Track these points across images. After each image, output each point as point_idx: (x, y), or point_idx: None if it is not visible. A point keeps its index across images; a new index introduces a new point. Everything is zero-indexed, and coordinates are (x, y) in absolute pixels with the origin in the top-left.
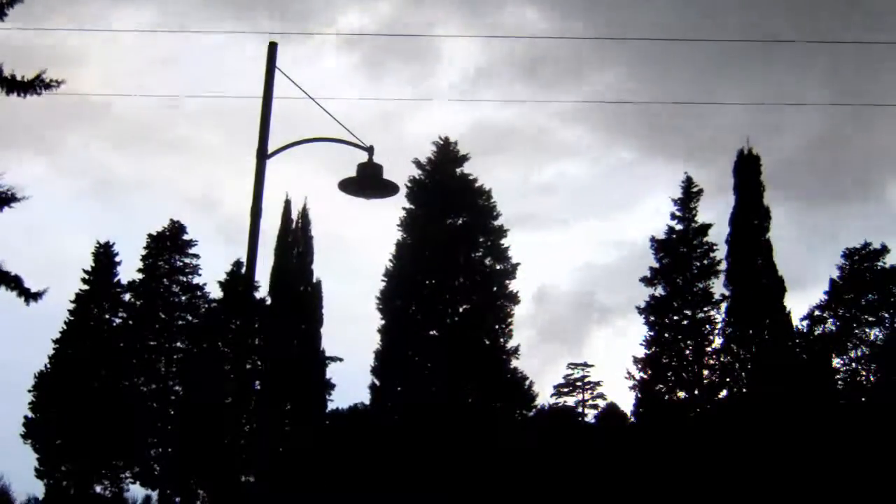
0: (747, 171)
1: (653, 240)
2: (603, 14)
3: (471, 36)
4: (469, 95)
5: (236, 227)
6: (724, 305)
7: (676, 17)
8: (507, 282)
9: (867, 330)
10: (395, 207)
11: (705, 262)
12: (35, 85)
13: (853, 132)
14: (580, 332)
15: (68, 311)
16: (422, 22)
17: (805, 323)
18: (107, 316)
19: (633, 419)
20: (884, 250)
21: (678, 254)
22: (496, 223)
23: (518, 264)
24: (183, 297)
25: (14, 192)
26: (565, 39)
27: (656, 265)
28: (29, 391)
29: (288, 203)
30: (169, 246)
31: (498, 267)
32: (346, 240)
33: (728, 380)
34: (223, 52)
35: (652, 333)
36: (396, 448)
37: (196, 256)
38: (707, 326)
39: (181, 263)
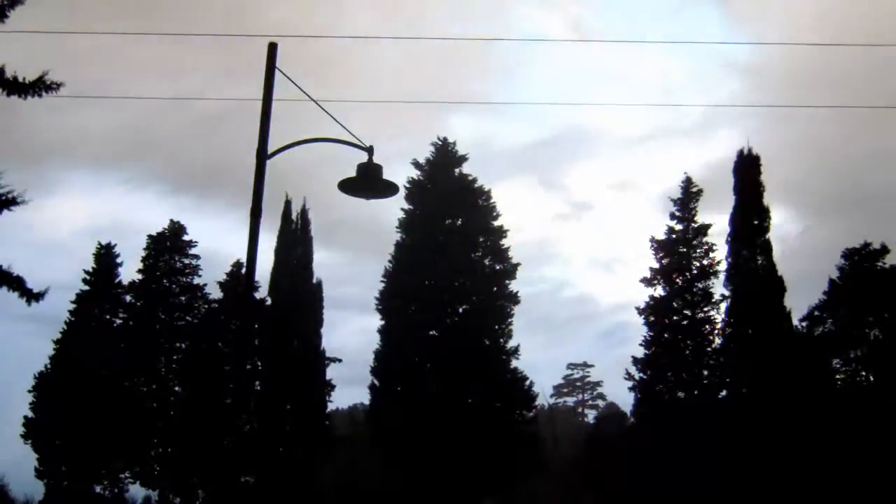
0: (747, 171)
1: (652, 240)
2: None
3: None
4: None
5: None
6: (724, 305)
7: None
8: (507, 282)
9: (867, 330)
10: (396, 207)
11: (705, 262)
12: (37, 87)
13: None
14: None
15: (69, 311)
16: None
17: (805, 323)
18: (107, 316)
19: (632, 419)
20: (884, 250)
21: (678, 254)
22: (496, 223)
23: (518, 264)
24: (183, 298)
25: (15, 195)
26: None
27: (656, 265)
28: (29, 391)
29: (288, 203)
30: (169, 246)
31: (498, 267)
32: (346, 239)
33: (728, 380)
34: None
35: (652, 333)
36: (396, 448)
37: (196, 257)
38: (707, 326)
39: (181, 264)
